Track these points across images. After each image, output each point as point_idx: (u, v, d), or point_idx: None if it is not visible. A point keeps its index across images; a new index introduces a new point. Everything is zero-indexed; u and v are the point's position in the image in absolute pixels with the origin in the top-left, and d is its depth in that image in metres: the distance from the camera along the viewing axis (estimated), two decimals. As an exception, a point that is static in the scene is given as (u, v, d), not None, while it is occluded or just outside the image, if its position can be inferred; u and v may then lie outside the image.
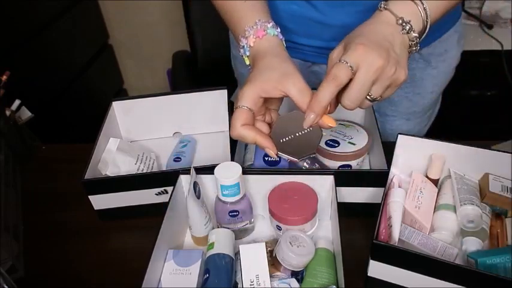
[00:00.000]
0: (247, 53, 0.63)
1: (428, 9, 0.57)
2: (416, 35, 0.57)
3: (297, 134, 0.59)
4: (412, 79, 0.86)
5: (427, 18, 0.58)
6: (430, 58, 0.84)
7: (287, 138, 0.59)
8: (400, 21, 0.56)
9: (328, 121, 0.57)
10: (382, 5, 0.57)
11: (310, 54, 0.84)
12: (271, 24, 0.63)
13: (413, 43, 0.57)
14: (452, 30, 0.84)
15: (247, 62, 0.64)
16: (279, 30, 0.63)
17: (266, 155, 0.74)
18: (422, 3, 0.57)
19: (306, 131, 0.58)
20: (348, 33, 0.77)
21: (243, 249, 0.59)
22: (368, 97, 0.55)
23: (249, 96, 0.58)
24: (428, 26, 0.58)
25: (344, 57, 0.53)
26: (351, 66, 0.53)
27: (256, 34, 0.62)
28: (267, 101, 0.60)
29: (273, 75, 0.57)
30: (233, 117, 0.58)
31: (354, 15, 0.74)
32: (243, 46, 0.63)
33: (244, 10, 0.64)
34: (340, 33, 0.77)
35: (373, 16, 0.59)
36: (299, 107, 0.57)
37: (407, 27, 0.56)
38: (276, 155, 0.58)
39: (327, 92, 0.53)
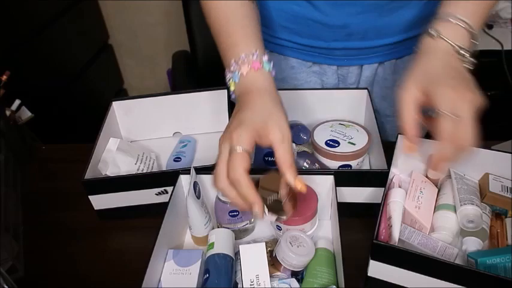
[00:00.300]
0: (237, 80, 0.60)
1: (473, 26, 0.58)
2: (472, 59, 0.57)
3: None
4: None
5: (472, 37, 0.58)
6: None
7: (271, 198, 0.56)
8: (458, 50, 0.57)
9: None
10: (434, 32, 0.57)
11: (310, 54, 0.84)
12: (266, 58, 0.61)
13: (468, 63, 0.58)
14: None
15: (232, 88, 0.62)
16: (272, 64, 0.62)
17: (266, 155, 0.74)
18: (465, 22, 0.58)
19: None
20: (349, 33, 0.77)
21: (243, 249, 0.59)
22: None
23: (247, 140, 0.54)
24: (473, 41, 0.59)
25: (442, 108, 0.52)
26: (455, 115, 0.52)
27: (252, 64, 0.59)
28: None
29: (268, 124, 0.54)
30: (234, 162, 0.53)
31: (354, 16, 0.74)
32: (234, 72, 0.61)
33: (242, 36, 0.63)
34: (341, 34, 0.77)
35: (429, 46, 0.58)
36: (278, 166, 0.54)
37: (467, 55, 0.57)
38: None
39: (445, 150, 0.54)
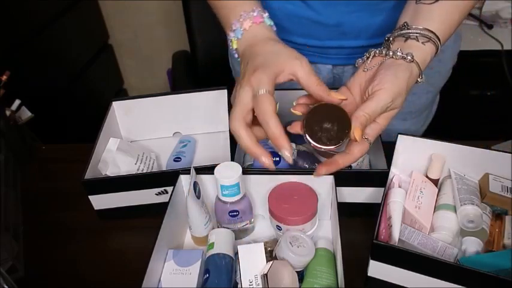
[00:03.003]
0: (239, 36, 0.61)
1: (442, 41, 0.60)
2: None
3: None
4: None
5: (437, 51, 0.60)
6: None
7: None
8: (421, 74, 0.59)
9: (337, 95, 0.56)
10: (408, 57, 0.57)
11: (305, 53, 0.84)
12: (267, 14, 0.63)
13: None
14: None
15: (235, 46, 0.62)
16: (272, 22, 0.63)
17: (266, 155, 0.74)
18: (437, 39, 0.59)
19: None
20: (343, 32, 0.77)
21: (241, 249, 0.59)
22: None
23: (269, 82, 0.55)
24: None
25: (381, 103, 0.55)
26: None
27: (253, 19, 0.61)
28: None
29: (281, 59, 0.56)
30: (263, 103, 0.53)
31: (348, 15, 0.74)
32: (235, 29, 0.62)
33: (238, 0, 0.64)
34: (335, 32, 0.77)
35: (400, 67, 0.57)
36: (306, 89, 0.56)
37: (420, 79, 0.60)
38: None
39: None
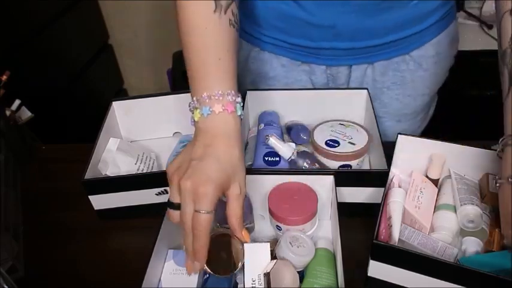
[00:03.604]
0: (205, 115, 0.57)
1: None
2: None
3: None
4: (402, 81, 0.86)
5: None
6: (421, 60, 0.84)
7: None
8: None
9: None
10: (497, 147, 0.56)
11: (299, 53, 0.84)
12: (239, 99, 0.58)
13: None
14: (444, 32, 0.83)
15: (196, 119, 0.58)
16: (242, 109, 0.59)
17: (266, 155, 0.74)
18: None
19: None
20: (336, 34, 0.77)
21: (248, 247, 0.59)
22: None
23: (212, 201, 0.53)
24: None
25: None
26: None
27: (226, 106, 0.56)
28: None
29: (230, 180, 0.54)
30: (202, 223, 0.52)
31: (341, 16, 0.74)
32: (204, 106, 0.57)
33: (218, 69, 0.59)
34: (329, 33, 0.77)
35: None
36: (227, 217, 0.56)
37: None
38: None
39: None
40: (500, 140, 0.58)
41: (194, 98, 0.59)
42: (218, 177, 0.53)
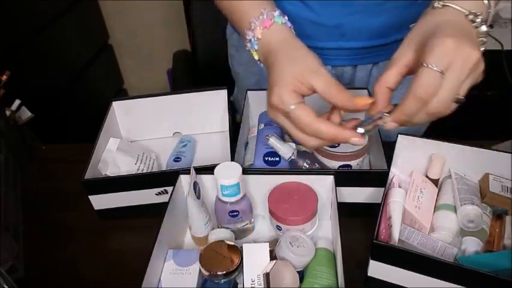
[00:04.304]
0: (256, 47, 0.60)
1: None
2: (487, 29, 0.50)
3: None
4: (407, 80, 0.86)
5: (489, 9, 0.52)
6: None
7: None
8: (471, 16, 0.50)
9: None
10: (439, 4, 0.51)
11: None
12: (277, 12, 0.60)
13: (483, 37, 0.51)
14: None
15: (256, 57, 0.61)
16: (286, 18, 0.61)
17: (266, 155, 0.74)
18: None
19: None
20: (342, 33, 0.77)
21: (246, 248, 0.59)
22: (457, 97, 0.48)
23: (290, 97, 0.53)
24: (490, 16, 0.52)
25: (430, 60, 0.46)
26: (441, 71, 0.46)
27: (263, 24, 0.59)
28: None
29: (295, 74, 0.54)
30: (299, 118, 0.52)
31: (347, 16, 0.74)
32: (250, 40, 0.60)
33: (249, 3, 0.62)
34: (334, 33, 0.77)
35: (432, 14, 0.51)
36: (327, 101, 0.55)
37: (479, 20, 0.49)
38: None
39: (414, 107, 0.48)
40: None
41: (245, 43, 0.61)
42: (283, 79, 0.54)
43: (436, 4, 0.52)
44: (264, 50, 0.60)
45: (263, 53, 0.60)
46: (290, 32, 0.60)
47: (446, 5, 0.51)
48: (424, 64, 0.47)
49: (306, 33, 0.79)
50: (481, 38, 0.51)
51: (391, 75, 0.53)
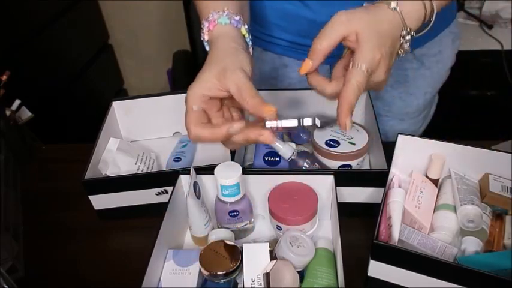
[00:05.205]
0: (207, 48, 0.61)
1: (435, 6, 0.56)
2: (408, 47, 0.57)
3: None
4: (405, 79, 0.86)
5: (431, 17, 0.57)
6: (424, 59, 0.84)
7: None
8: (405, 32, 0.55)
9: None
10: (393, 5, 0.54)
11: (303, 53, 0.84)
12: (226, 12, 0.60)
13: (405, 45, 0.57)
14: (446, 31, 0.84)
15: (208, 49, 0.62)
16: (237, 17, 0.60)
17: (266, 155, 0.74)
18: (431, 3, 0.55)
19: None
20: None
21: (246, 248, 0.59)
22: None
23: (194, 97, 0.55)
24: (430, 22, 0.57)
25: (360, 61, 0.53)
26: (367, 71, 0.53)
27: (209, 26, 0.60)
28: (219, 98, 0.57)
29: (213, 73, 0.55)
30: (185, 120, 0.56)
31: None
32: (202, 40, 0.62)
33: (207, 2, 0.62)
34: None
35: (379, 8, 0.55)
36: (240, 104, 0.55)
37: (408, 38, 0.56)
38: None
39: (354, 98, 0.53)
40: None
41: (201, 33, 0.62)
42: (200, 77, 0.55)
43: (393, 5, 0.54)
44: (209, 49, 0.61)
45: (210, 50, 0.60)
46: (230, 31, 0.60)
47: (398, 13, 0.54)
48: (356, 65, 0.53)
49: (305, 31, 0.79)
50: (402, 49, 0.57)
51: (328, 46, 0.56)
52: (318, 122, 0.56)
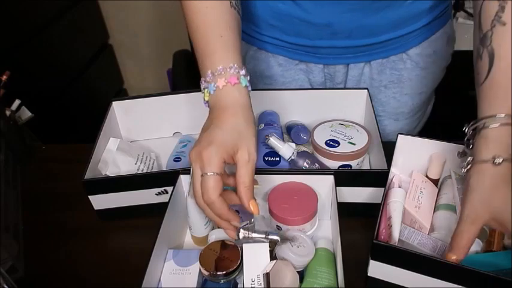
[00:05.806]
0: (212, 92, 0.59)
1: None
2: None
3: None
4: (399, 80, 0.86)
5: None
6: (419, 59, 0.84)
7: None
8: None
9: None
10: (498, 159, 0.53)
11: (297, 52, 0.84)
12: (244, 72, 0.60)
13: None
14: (441, 31, 0.84)
15: (206, 99, 0.61)
16: (248, 78, 0.61)
17: (266, 155, 0.74)
18: None
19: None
20: (333, 32, 0.77)
21: (246, 248, 0.59)
22: None
23: (217, 164, 0.55)
24: None
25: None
26: None
27: (228, 79, 0.58)
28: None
29: (237, 145, 0.56)
30: (207, 186, 0.55)
31: (338, 15, 0.74)
32: (210, 83, 0.60)
33: (221, 46, 0.61)
34: (326, 32, 0.78)
35: (489, 172, 0.53)
36: (237, 180, 0.57)
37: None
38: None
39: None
40: (471, 123, 0.58)
41: (202, 79, 0.61)
42: (221, 141, 0.56)
43: (497, 159, 0.53)
44: (218, 99, 0.60)
45: (216, 100, 0.60)
46: (247, 98, 0.60)
47: (504, 162, 0.53)
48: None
49: (298, 31, 0.79)
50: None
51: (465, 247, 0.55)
52: (278, 238, 0.59)
